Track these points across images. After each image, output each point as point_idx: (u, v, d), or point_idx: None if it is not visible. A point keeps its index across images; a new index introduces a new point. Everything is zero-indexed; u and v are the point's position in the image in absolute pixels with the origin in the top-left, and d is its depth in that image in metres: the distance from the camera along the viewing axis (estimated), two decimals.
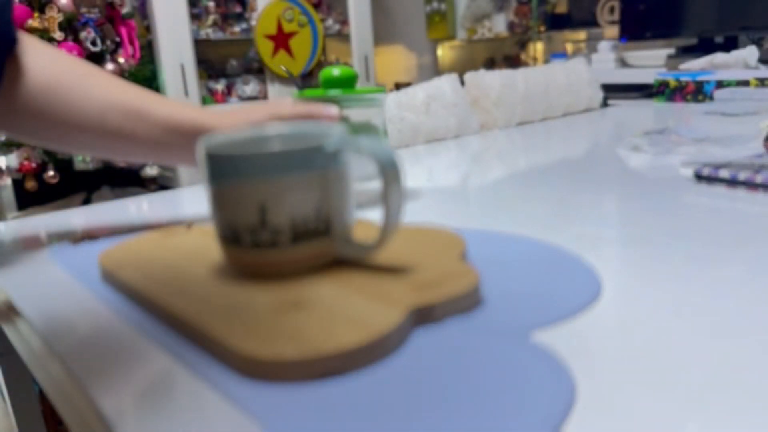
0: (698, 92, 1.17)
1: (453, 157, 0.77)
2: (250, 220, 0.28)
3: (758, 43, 1.64)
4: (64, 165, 1.52)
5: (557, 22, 2.39)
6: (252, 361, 0.23)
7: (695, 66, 1.26)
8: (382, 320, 0.24)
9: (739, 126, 0.81)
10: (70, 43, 1.40)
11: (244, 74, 2.12)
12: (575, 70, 1.17)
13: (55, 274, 0.38)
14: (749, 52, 1.20)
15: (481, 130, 1.01)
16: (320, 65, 2.23)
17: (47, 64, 0.43)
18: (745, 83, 1.09)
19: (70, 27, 1.42)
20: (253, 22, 2.01)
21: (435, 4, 2.69)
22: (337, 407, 0.21)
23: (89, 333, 0.29)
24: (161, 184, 1.74)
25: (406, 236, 0.35)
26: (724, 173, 0.50)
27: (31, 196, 1.57)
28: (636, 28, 1.95)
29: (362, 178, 0.47)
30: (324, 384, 0.22)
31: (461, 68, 1.88)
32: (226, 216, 0.29)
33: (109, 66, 1.47)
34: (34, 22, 1.34)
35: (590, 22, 2.23)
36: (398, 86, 2.49)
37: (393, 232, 0.29)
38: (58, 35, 1.37)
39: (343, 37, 2.28)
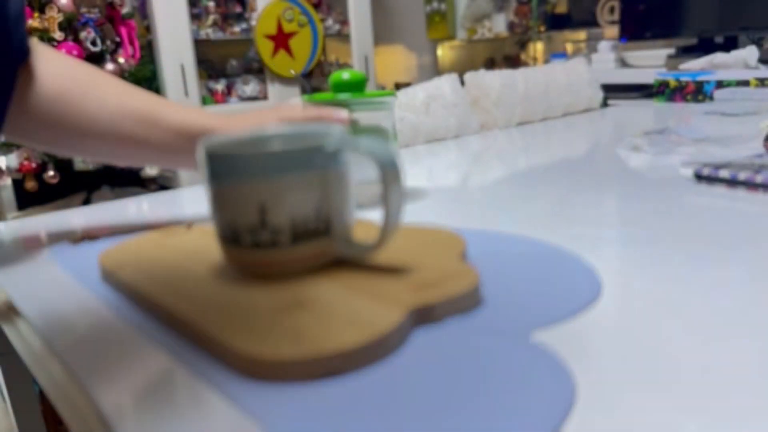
0: (698, 92, 1.17)
1: (453, 157, 0.77)
2: (250, 220, 0.29)
3: (758, 43, 1.64)
4: (64, 165, 1.53)
5: (557, 22, 2.40)
6: (252, 361, 0.23)
7: (695, 66, 1.26)
8: (382, 320, 0.24)
9: (739, 126, 0.81)
10: (70, 43, 1.40)
11: (244, 74, 2.12)
12: (575, 70, 1.17)
13: (55, 274, 0.38)
14: (749, 52, 1.20)
15: (481, 130, 1.01)
16: (320, 65, 2.23)
17: (59, 72, 0.43)
18: (745, 83, 1.09)
19: (70, 27, 1.42)
20: (253, 22, 2.01)
21: (435, 4, 2.69)
22: (337, 407, 0.21)
23: (89, 333, 0.29)
24: (161, 184, 1.74)
25: (406, 236, 0.35)
26: (724, 173, 0.50)
27: (31, 196, 1.57)
28: (636, 28, 1.95)
29: (366, 181, 0.47)
30: (324, 384, 0.22)
31: (461, 68, 1.88)
32: (226, 216, 0.29)
33: (109, 66, 1.47)
34: (34, 22, 1.34)
35: (590, 22, 2.23)
36: (398, 86, 2.49)
37: (393, 232, 0.29)
38: (58, 35, 1.37)
39: (343, 37, 2.28)
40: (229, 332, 0.24)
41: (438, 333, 0.25)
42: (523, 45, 2.59)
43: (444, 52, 2.88)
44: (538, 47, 2.50)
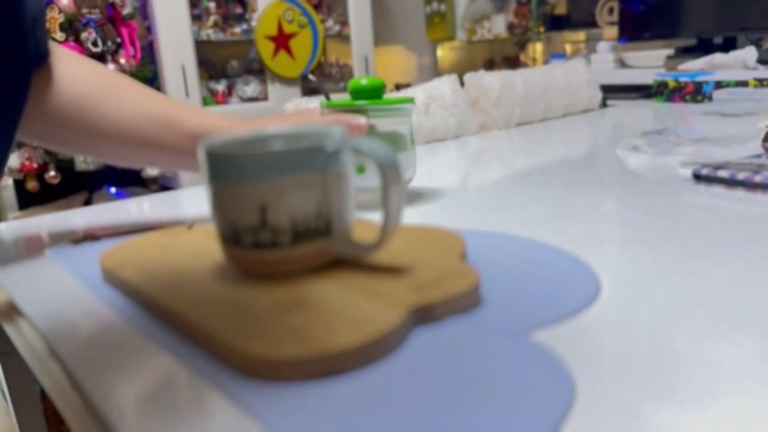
0: (697, 93, 1.17)
1: (453, 158, 0.78)
2: (251, 220, 0.29)
3: (757, 43, 1.65)
4: (65, 165, 1.53)
5: (556, 23, 2.40)
6: (253, 361, 0.23)
7: (694, 66, 1.26)
8: (382, 320, 0.24)
9: (737, 126, 0.81)
10: (71, 44, 1.41)
11: (245, 75, 2.12)
12: (574, 71, 1.17)
13: (57, 274, 0.38)
14: (748, 53, 1.21)
15: (480, 131, 1.01)
16: (320, 66, 2.23)
17: (79, 75, 0.44)
18: (744, 84, 1.09)
19: (71, 28, 1.42)
20: (254, 23, 2.01)
21: (435, 5, 2.69)
22: (337, 406, 0.21)
23: (90, 333, 0.29)
24: (162, 184, 1.74)
25: (406, 236, 0.35)
26: (722, 173, 0.50)
27: (33, 196, 1.57)
28: (635, 29, 1.95)
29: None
30: (324, 383, 0.22)
31: (461, 69, 1.88)
32: (227, 216, 0.30)
33: (110, 67, 1.47)
34: None
35: (589, 22, 2.24)
36: (398, 87, 2.49)
37: (393, 232, 0.29)
38: (59, 36, 1.37)
39: (343, 37, 2.28)
40: (229, 332, 0.24)
41: (438, 333, 0.25)
42: (522, 46, 2.59)
43: (444, 52, 2.88)
44: (537, 48, 2.51)
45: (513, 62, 2.60)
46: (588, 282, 0.30)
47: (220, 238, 0.31)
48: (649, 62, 1.87)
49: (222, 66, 2.13)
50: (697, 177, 0.52)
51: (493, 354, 0.23)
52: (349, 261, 0.31)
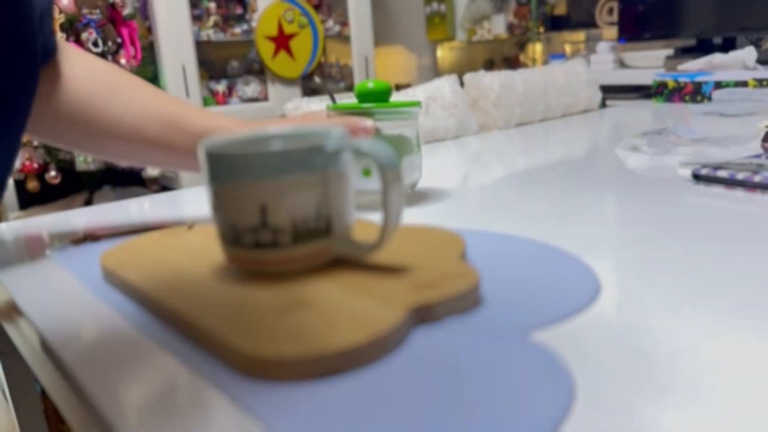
0: (696, 93, 1.17)
1: (453, 158, 0.78)
2: (251, 220, 0.29)
3: (756, 43, 1.65)
4: (65, 165, 1.53)
5: (556, 24, 2.40)
6: (253, 360, 0.23)
7: (694, 67, 1.26)
8: (382, 319, 0.24)
9: (737, 126, 0.81)
10: (72, 45, 1.41)
11: (245, 75, 2.12)
12: (574, 71, 1.17)
13: (57, 274, 0.38)
14: (747, 53, 1.21)
15: (480, 131, 1.01)
16: (320, 66, 2.24)
17: (87, 74, 0.44)
18: (744, 84, 1.09)
19: (72, 28, 1.42)
20: (254, 24, 2.01)
21: (435, 6, 2.70)
22: (337, 406, 0.21)
23: (91, 333, 0.29)
24: (163, 184, 1.74)
25: (406, 236, 0.35)
26: (722, 173, 0.50)
27: (33, 196, 1.58)
28: (634, 29, 1.95)
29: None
30: (325, 383, 0.22)
31: (461, 69, 1.88)
32: (227, 216, 0.30)
33: None
34: None
35: (589, 23, 2.24)
36: (398, 87, 2.49)
37: (393, 232, 0.29)
38: (60, 36, 1.37)
39: (344, 38, 2.28)
40: (230, 331, 0.25)
41: (438, 333, 0.26)
42: (522, 46, 2.59)
43: (444, 53, 2.88)
44: (537, 48, 2.51)
45: (513, 62, 2.60)
46: (588, 282, 0.30)
47: (220, 238, 0.31)
48: (648, 62, 1.87)
49: (222, 66, 2.13)
50: (697, 177, 0.52)
51: (493, 354, 0.23)
52: (349, 261, 0.31)
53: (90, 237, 0.45)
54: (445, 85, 0.95)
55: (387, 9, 2.80)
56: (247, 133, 0.33)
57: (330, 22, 2.26)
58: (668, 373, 0.22)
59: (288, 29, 2.03)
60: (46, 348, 0.29)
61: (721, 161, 0.53)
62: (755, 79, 1.08)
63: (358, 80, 2.24)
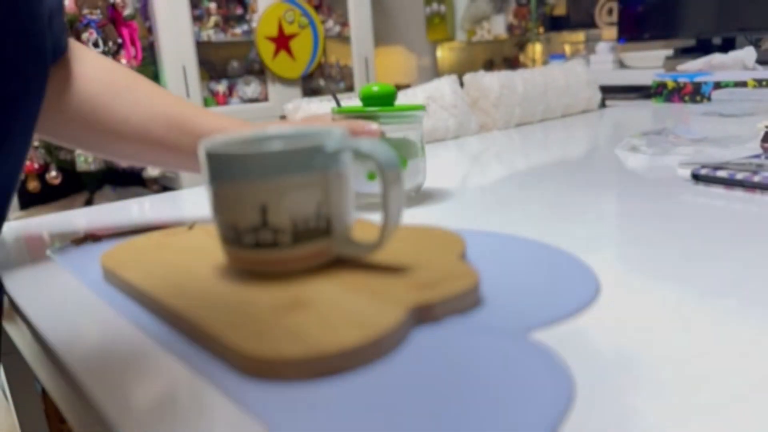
0: (696, 93, 1.17)
1: (452, 158, 0.78)
2: (252, 220, 0.29)
3: (756, 44, 1.65)
4: (66, 165, 1.53)
5: (556, 24, 2.40)
6: (253, 360, 0.23)
7: (693, 67, 1.26)
8: (382, 319, 0.25)
9: (736, 127, 0.82)
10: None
11: (245, 75, 2.13)
12: (574, 72, 1.17)
13: (58, 274, 0.38)
14: (747, 53, 1.21)
15: (480, 131, 1.01)
16: (321, 66, 2.24)
17: (95, 74, 0.44)
18: (743, 84, 1.09)
19: (72, 28, 1.42)
20: (254, 24, 2.01)
21: (434, 6, 2.70)
22: (337, 405, 0.21)
23: (91, 333, 0.29)
24: (163, 185, 1.74)
25: (406, 236, 0.35)
26: (721, 174, 0.50)
27: (34, 196, 1.58)
28: (634, 30, 1.95)
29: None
30: (324, 382, 0.22)
31: (460, 70, 1.88)
32: (228, 216, 0.30)
33: None
34: None
35: (588, 23, 2.24)
36: (398, 88, 2.49)
37: (393, 232, 0.29)
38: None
39: (344, 38, 2.28)
40: (230, 331, 0.25)
41: (437, 332, 0.26)
42: (521, 46, 2.59)
43: (443, 53, 2.88)
44: (536, 49, 2.51)
45: (512, 63, 2.61)
46: (587, 282, 0.30)
47: (220, 238, 0.31)
48: (648, 63, 1.87)
49: (223, 66, 2.13)
50: (696, 177, 0.52)
51: (492, 354, 0.24)
52: (349, 261, 0.31)
53: (90, 237, 0.45)
54: (445, 85, 0.95)
55: (387, 9, 2.80)
56: (247, 133, 0.33)
57: (330, 23, 2.26)
58: (668, 373, 0.22)
59: (288, 30, 2.03)
60: (47, 348, 0.29)
61: (721, 161, 0.53)
62: (755, 80, 1.08)
63: (358, 81, 2.24)
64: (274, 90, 2.08)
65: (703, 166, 0.52)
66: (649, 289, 0.29)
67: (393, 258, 0.32)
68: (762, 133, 0.64)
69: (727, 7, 1.74)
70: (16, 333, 0.39)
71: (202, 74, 1.98)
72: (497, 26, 2.54)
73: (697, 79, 1.17)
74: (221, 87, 2.05)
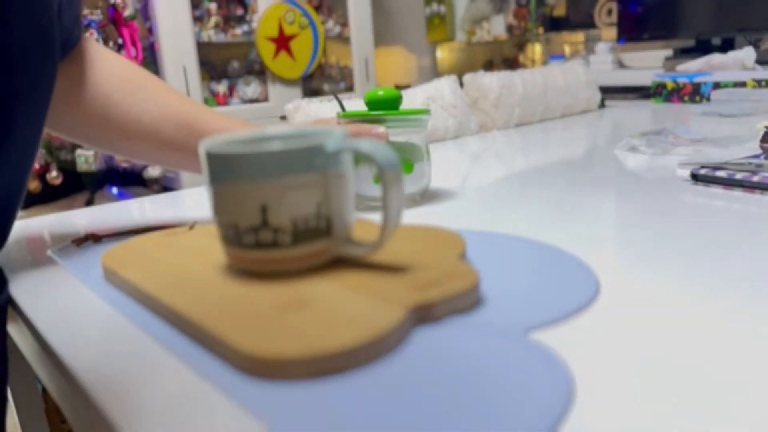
0: (695, 93, 1.17)
1: (452, 158, 0.78)
2: (252, 219, 0.29)
3: (755, 44, 1.65)
4: (66, 166, 1.53)
5: (555, 24, 2.40)
6: (254, 360, 0.23)
7: (692, 67, 1.26)
8: (382, 319, 0.25)
9: (736, 127, 0.82)
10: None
11: (246, 76, 2.13)
12: (573, 72, 1.17)
13: (58, 274, 0.38)
14: (746, 54, 1.21)
15: (480, 131, 1.01)
16: (321, 67, 2.24)
17: (108, 72, 0.44)
18: (742, 84, 1.09)
19: None
20: (255, 25, 2.02)
21: (434, 7, 2.70)
22: (338, 405, 0.21)
23: (91, 332, 0.29)
24: (164, 185, 1.74)
25: (406, 236, 0.35)
26: (721, 174, 0.50)
27: (35, 196, 1.58)
28: (633, 30, 1.95)
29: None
30: (324, 382, 0.22)
31: (460, 70, 1.88)
32: (228, 216, 0.30)
33: None
34: None
35: (588, 24, 2.24)
36: (398, 88, 2.49)
37: (393, 232, 0.29)
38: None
39: (344, 39, 2.29)
40: (230, 331, 0.25)
41: (437, 332, 0.26)
42: (521, 47, 2.59)
43: (443, 53, 2.88)
44: (536, 49, 2.51)
45: (512, 63, 2.61)
46: (587, 282, 0.30)
47: (221, 237, 0.31)
48: (647, 63, 1.87)
49: (223, 67, 2.14)
50: (696, 177, 0.52)
51: (492, 353, 0.24)
52: (349, 261, 0.31)
53: (91, 237, 0.45)
54: (445, 85, 0.95)
55: (387, 10, 2.81)
56: (248, 133, 0.34)
57: (330, 23, 2.26)
58: (667, 373, 0.22)
59: (288, 30, 2.03)
60: (47, 348, 0.29)
61: (720, 161, 0.53)
62: (754, 80, 1.08)
63: (359, 81, 2.24)
64: (275, 90, 2.08)
65: (703, 166, 0.52)
66: (649, 289, 0.29)
67: (393, 258, 0.32)
68: (761, 134, 0.64)
69: (726, 7, 1.74)
70: (17, 333, 0.39)
71: (202, 75, 1.98)
72: (497, 27, 2.54)
73: (697, 80, 1.17)
74: (221, 87, 2.05)
